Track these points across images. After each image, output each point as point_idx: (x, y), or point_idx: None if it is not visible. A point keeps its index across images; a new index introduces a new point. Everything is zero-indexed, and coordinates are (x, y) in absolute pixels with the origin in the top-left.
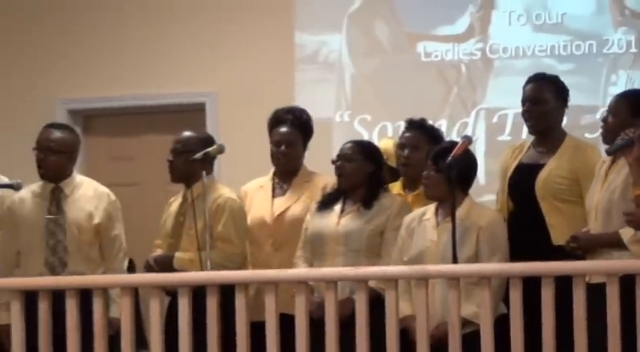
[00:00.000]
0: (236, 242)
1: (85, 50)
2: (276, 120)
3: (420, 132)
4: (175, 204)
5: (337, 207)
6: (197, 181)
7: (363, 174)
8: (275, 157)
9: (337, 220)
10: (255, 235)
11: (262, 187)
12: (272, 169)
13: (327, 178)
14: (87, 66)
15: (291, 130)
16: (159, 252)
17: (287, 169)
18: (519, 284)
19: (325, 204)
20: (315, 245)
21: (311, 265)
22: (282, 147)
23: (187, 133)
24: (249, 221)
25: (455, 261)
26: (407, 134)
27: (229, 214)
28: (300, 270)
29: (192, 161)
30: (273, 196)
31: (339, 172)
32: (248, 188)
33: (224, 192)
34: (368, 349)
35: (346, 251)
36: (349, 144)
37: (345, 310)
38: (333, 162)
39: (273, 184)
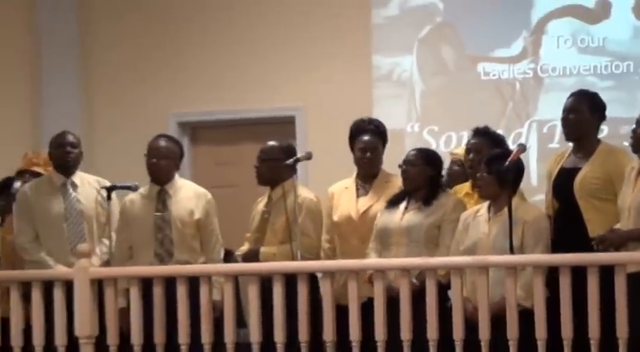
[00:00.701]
0: (313, 236)
1: (193, 70)
2: (358, 129)
3: (484, 138)
4: (262, 203)
5: (402, 205)
6: (280, 183)
7: (424, 177)
8: (360, 162)
9: (401, 216)
10: (343, 230)
11: (347, 188)
12: (354, 172)
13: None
14: (194, 84)
15: (374, 138)
16: (246, 245)
17: (370, 173)
18: (568, 272)
19: (392, 202)
20: (383, 237)
21: (380, 255)
22: (368, 154)
23: (271, 143)
24: (336, 218)
25: (512, 251)
26: (472, 140)
27: (307, 212)
28: (381, 260)
29: (284, 166)
30: (357, 196)
31: (405, 175)
32: (334, 189)
33: (303, 192)
34: (436, 323)
35: (408, 242)
36: (413, 152)
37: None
38: (400, 166)
39: (357, 185)
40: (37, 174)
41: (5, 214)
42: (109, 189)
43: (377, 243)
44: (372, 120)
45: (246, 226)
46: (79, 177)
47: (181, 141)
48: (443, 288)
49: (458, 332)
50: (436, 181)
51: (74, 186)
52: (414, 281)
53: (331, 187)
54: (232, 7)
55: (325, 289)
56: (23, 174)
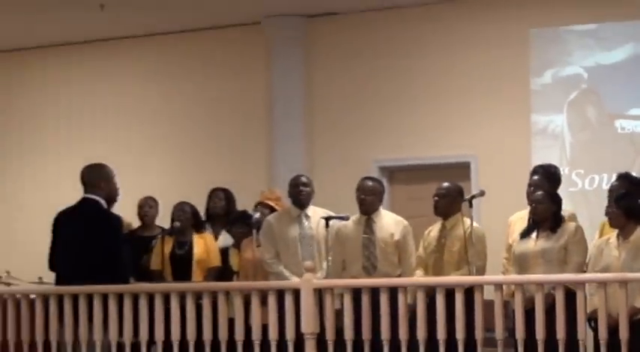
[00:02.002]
0: (482, 257)
1: (391, 125)
2: (532, 171)
3: (624, 181)
4: (434, 231)
5: (533, 235)
6: (451, 215)
7: (550, 212)
8: (529, 198)
9: (534, 243)
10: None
11: (522, 218)
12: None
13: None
14: (391, 136)
15: (540, 179)
16: (419, 272)
17: None
18: None
19: (525, 234)
20: (521, 261)
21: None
22: (532, 188)
23: (446, 184)
24: (510, 241)
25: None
26: (614, 183)
27: (477, 239)
28: (521, 276)
29: (464, 201)
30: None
31: (534, 211)
32: (513, 218)
33: (469, 222)
34: (565, 330)
35: (543, 262)
36: (540, 192)
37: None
38: (530, 204)
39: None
40: (270, 207)
41: (243, 238)
42: (327, 219)
43: (515, 266)
44: (542, 165)
45: None
46: (312, 209)
47: (381, 181)
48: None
49: (603, 332)
50: (558, 214)
51: (307, 217)
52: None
53: (511, 217)
54: (424, 80)
55: (497, 297)
56: (260, 206)
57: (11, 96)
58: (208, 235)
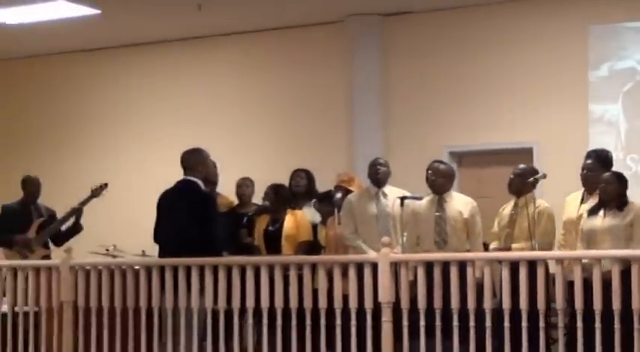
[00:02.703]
0: (551, 235)
1: (460, 111)
2: (586, 156)
3: None
4: (508, 208)
5: (600, 212)
6: (524, 194)
7: (617, 192)
8: (583, 178)
9: (602, 220)
10: (568, 227)
11: (575, 198)
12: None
13: None
14: (461, 123)
15: (593, 163)
16: (495, 243)
17: (592, 187)
18: None
19: (592, 211)
20: (590, 236)
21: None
22: (584, 171)
23: (522, 165)
24: (565, 218)
25: None
26: None
27: (547, 218)
28: (582, 252)
29: (528, 182)
30: (581, 203)
31: (603, 190)
32: (568, 198)
33: (541, 202)
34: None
35: (611, 238)
36: (609, 173)
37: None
38: (599, 185)
39: (583, 196)
40: (345, 189)
41: (329, 216)
42: (403, 199)
43: (584, 242)
44: (595, 149)
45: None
46: (389, 189)
47: (451, 165)
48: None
49: None
50: (625, 194)
51: (384, 195)
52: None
53: (567, 197)
54: (491, 73)
55: (557, 271)
56: (338, 188)
57: (118, 90)
58: (299, 212)
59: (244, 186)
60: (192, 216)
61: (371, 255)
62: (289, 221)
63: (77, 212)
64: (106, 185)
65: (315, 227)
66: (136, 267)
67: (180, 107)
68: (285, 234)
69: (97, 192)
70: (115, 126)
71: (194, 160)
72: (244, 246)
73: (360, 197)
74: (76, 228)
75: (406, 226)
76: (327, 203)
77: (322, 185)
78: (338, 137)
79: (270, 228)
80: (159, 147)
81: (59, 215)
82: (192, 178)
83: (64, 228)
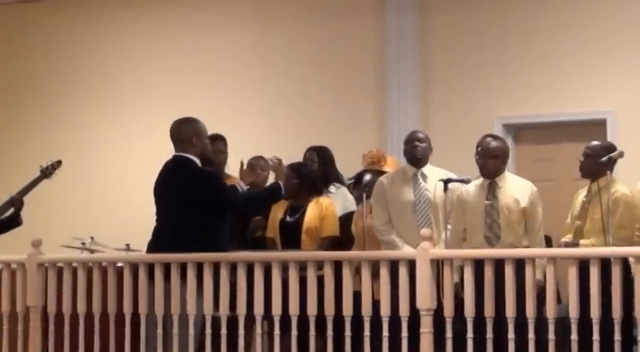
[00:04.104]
0: (629, 228)
1: (516, 78)
2: None
3: None
4: (582, 194)
5: None
6: (600, 177)
7: None
8: None
9: None
10: None
11: None
12: None
13: None
14: (517, 90)
15: None
16: (568, 236)
17: None
18: None
19: None
20: None
21: None
22: None
23: (595, 142)
24: None
25: None
26: None
27: (624, 206)
28: None
29: (600, 163)
30: None
31: None
32: None
33: (620, 187)
34: None
35: None
36: None
37: None
38: None
39: None
40: (377, 171)
41: (358, 203)
42: (446, 182)
43: None
44: None
45: (563, 216)
46: (429, 169)
47: (506, 141)
48: None
49: None
50: None
51: (424, 176)
52: None
53: None
54: (556, 32)
55: (637, 271)
56: (367, 172)
57: (95, 44)
58: (327, 200)
59: (259, 168)
60: (190, 203)
61: (407, 251)
62: (312, 210)
63: (15, 203)
64: (59, 163)
65: (346, 218)
66: (119, 264)
67: (175, 68)
68: (305, 226)
69: (47, 172)
70: (90, 89)
71: (186, 132)
72: (255, 239)
73: (394, 179)
74: (11, 223)
75: (450, 216)
76: (359, 187)
77: (348, 167)
78: (365, 108)
79: (288, 218)
80: (146, 118)
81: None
82: (184, 154)
83: None
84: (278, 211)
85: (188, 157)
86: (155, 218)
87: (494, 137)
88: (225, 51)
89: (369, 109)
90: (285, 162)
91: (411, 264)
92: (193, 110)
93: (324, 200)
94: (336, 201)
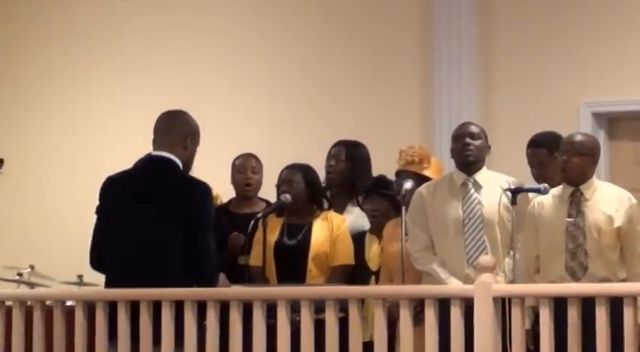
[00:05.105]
0: None
1: (610, 53)
2: None
3: None
4: None
5: None
6: None
7: None
8: None
9: None
10: None
11: None
12: None
13: None
14: (610, 70)
15: None
16: None
17: None
18: None
19: None
20: None
21: None
22: None
23: None
24: None
25: None
26: None
27: None
28: None
29: None
30: None
31: None
32: None
33: None
34: None
35: None
36: None
37: None
38: None
39: None
40: (417, 175)
41: (384, 219)
42: (514, 192)
43: None
44: None
45: None
46: (486, 175)
47: (596, 136)
48: None
49: None
50: None
51: (477, 186)
52: None
53: None
54: None
55: None
56: (403, 174)
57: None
58: (338, 216)
59: (249, 171)
60: (169, 220)
61: (456, 285)
62: (320, 229)
63: None
64: (0, 161)
65: (357, 239)
66: (69, 303)
67: (164, 51)
68: (313, 251)
69: None
70: (34, 78)
71: (182, 128)
72: (246, 268)
73: (436, 189)
74: None
75: (518, 239)
76: (380, 197)
77: (381, 169)
78: (407, 94)
79: (286, 240)
80: (118, 112)
81: None
82: (168, 155)
83: None
84: (272, 232)
85: (173, 160)
86: (114, 239)
87: (580, 132)
88: (224, 30)
89: (411, 99)
90: (288, 161)
91: (467, 304)
92: (184, 104)
93: (334, 216)
94: (351, 218)
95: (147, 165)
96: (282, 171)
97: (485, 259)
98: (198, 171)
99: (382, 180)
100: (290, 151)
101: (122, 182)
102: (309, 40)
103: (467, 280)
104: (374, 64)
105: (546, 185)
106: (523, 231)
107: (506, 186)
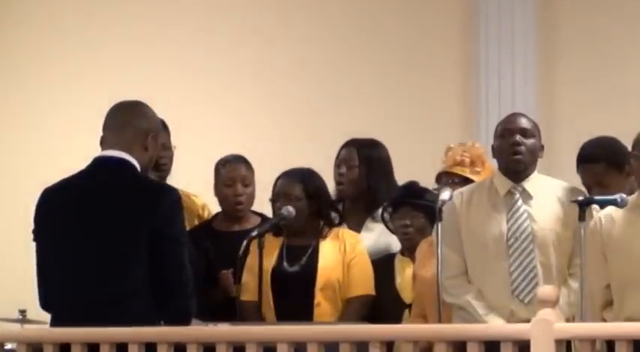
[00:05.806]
0: None
1: None
2: None
3: None
4: None
5: None
6: None
7: None
8: None
9: None
10: None
11: None
12: None
13: None
14: None
15: None
16: None
17: None
18: None
19: None
20: None
21: None
22: None
23: None
24: None
25: None
26: None
27: None
28: None
29: None
30: None
31: None
32: None
33: None
34: None
35: None
36: None
37: None
38: None
39: None
40: (461, 177)
41: (418, 237)
42: (583, 204)
43: None
44: None
45: None
46: (536, 181)
47: None
48: None
49: None
50: None
51: (525, 195)
52: None
53: None
54: None
55: None
56: (445, 177)
57: None
58: (351, 234)
59: (236, 182)
60: (130, 237)
61: (500, 324)
62: (329, 251)
63: None
64: None
65: (388, 262)
66: (8, 347)
67: (143, 36)
68: (321, 279)
69: None
70: None
71: (141, 124)
72: (218, 305)
73: (472, 198)
74: None
75: (577, 263)
76: (411, 208)
77: (416, 176)
78: (445, 83)
79: (287, 266)
80: (79, 113)
81: None
82: (121, 155)
83: None
84: (269, 255)
85: (129, 161)
86: (62, 268)
87: None
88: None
89: (450, 88)
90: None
91: (522, 348)
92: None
93: (347, 234)
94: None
95: (95, 169)
96: (276, 181)
97: (546, 290)
98: (181, 178)
99: (414, 187)
100: (288, 154)
101: (64, 193)
102: (320, 42)
103: (511, 317)
104: (401, 47)
105: (623, 195)
106: (586, 254)
107: (561, 195)
